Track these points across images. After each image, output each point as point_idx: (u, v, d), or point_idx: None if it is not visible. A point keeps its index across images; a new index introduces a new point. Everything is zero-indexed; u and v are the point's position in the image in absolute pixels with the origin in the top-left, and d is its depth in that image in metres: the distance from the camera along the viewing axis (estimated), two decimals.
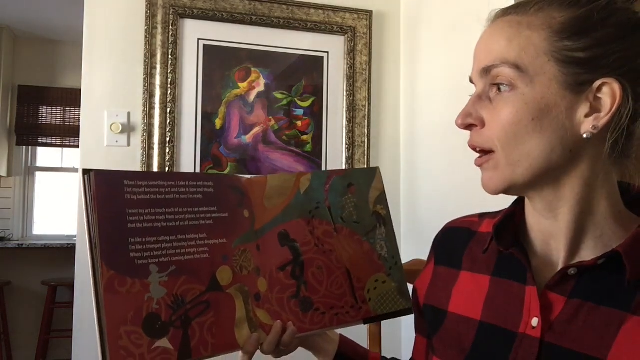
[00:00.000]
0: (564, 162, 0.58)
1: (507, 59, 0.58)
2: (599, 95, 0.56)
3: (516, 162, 0.58)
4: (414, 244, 1.87)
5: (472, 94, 0.64)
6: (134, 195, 0.66)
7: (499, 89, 0.59)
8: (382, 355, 0.95)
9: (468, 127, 0.62)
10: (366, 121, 1.93)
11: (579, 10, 0.57)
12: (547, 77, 0.57)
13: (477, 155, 0.63)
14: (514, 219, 0.68)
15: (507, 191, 0.61)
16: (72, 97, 4.23)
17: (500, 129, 0.58)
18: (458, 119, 0.62)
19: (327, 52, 1.92)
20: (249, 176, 0.79)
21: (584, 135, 0.56)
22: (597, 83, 0.56)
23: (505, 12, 0.61)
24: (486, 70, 0.60)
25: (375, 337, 1.09)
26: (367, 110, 1.93)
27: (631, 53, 0.56)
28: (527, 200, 0.66)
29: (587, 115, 0.56)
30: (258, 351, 0.71)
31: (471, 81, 0.65)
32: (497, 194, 0.62)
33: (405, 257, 1.96)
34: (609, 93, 0.56)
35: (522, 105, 0.57)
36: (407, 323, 1.61)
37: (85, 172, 0.63)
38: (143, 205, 0.66)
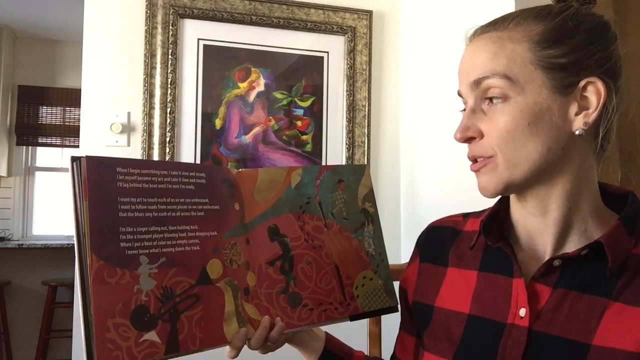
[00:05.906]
0: (558, 159, 0.61)
1: (496, 70, 0.61)
2: (585, 94, 0.61)
3: (515, 164, 0.61)
4: (414, 244, 1.87)
5: (461, 110, 0.67)
6: (125, 183, 0.64)
7: (491, 101, 0.62)
8: (376, 355, 0.95)
9: (467, 140, 0.65)
10: (366, 121, 1.93)
11: (552, 21, 0.61)
12: (536, 84, 0.60)
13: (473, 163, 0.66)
14: (498, 216, 0.71)
15: (504, 192, 0.64)
16: (72, 97, 4.24)
17: (498, 136, 0.61)
18: (457, 134, 0.65)
19: (327, 52, 1.92)
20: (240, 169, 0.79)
21: (577, 132, 0.61)
22: (582, 83, 0.60)
23: (484, 29, 0.65)
24: (477, 83, 0.63)
25: (375, 337, 1.09)
26: (367, 110, 1.93)
27: (606, 52, 0.62)
28: (513, 199, 0.69)
29: (577, 114, 0.61)
30: (245, 347, 0.70)
31: (459, 95, 0.67)
32: (495, 196, 0.65)
33: (405, 256, 1.96)
34: (594, 91, 0.60)
35: (517, 113, 0.61)
36: None
37: (74, 158, 0.62)
38: (135, 194, 0.64)
